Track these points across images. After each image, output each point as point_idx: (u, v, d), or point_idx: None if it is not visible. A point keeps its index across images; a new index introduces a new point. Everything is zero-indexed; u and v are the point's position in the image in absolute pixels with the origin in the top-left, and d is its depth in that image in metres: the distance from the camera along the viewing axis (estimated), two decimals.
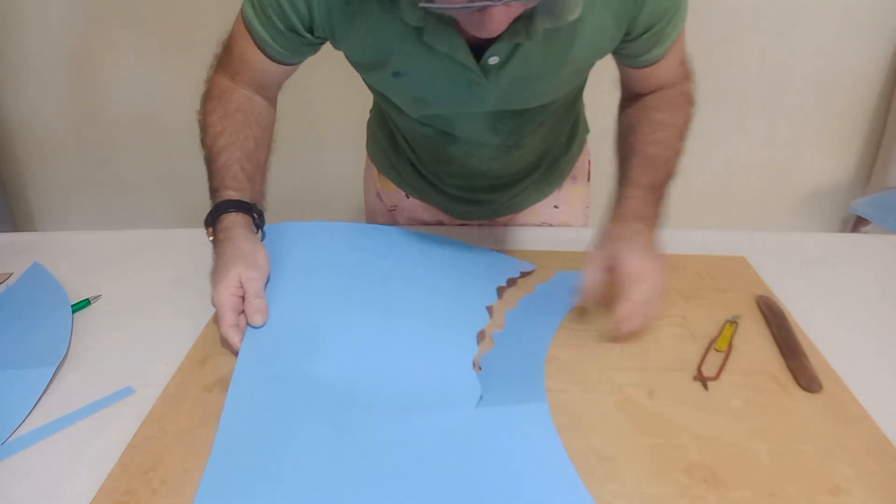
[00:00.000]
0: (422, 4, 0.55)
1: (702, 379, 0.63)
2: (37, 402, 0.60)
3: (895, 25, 1.73)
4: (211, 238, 0.74)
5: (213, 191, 0.77)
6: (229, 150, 0.76)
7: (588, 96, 0.95)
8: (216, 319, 0.67)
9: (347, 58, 0.75)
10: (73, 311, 0.74)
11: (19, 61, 1.86)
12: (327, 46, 0.76)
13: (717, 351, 0.67)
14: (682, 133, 0.80)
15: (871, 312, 0.75)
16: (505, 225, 1.01)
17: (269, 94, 0.83)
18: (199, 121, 0.80)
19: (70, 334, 0.70)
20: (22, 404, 0.60)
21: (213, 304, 0.67)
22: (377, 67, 0.72)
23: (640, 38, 0.72)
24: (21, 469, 0.54)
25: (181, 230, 0.96)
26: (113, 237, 0.94)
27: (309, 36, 0.72)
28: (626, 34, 0.71)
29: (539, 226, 1.02)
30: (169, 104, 1.89)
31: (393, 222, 1.03)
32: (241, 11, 0.75)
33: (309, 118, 1.83)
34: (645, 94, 0.82)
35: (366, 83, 0.83)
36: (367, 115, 1.04)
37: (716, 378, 0.63)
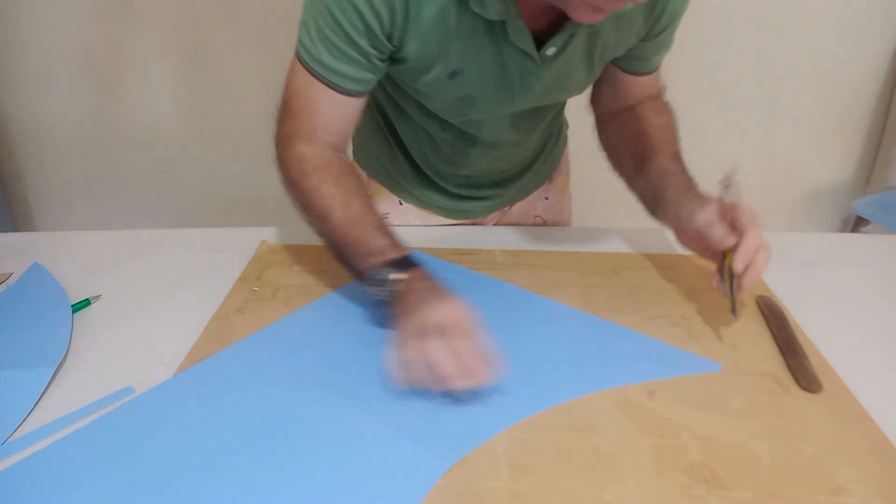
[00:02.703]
0: None
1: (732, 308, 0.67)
2: (37, 402, 0.60)
3: (895, 25, 1.73)
4: (399, 280, 0.64)
5: (381, 250, 0.67)
6: (369, 213, 0.70)
7: None
8: (448, 335, 0.58)
9: (399, 64, 0.71)
10: (73, 311, 0.74)
11: (19, 61, 1.86)
12: None
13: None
14: (679, 136, 0.83)
15: (871, 312, 0.75)
16: (496, 224, 1.03)
17: (347, 143, 0.76)
18: (304, 199, 0.71)
19: (70, 334, 0.70)
20: (22, 404, 0.60)
21: (449, 320, 0.59)
22: (434, 68, 0.70)
23: (656, 38, 0.75)
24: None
25: (181, 230, 0.96)
26: (113, 237, 0.94)
27: (384, 41, 0.67)
28: (648, 31, 0.74)
29: (532, 223, 1.04)
30: (169, 104, 1.89)
31: None
32: (300, 60, 0.69)
33: None
34: (631, 106, 0.84)
35: (404, 90, 0.80)
36: None
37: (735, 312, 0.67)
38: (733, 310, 0.68)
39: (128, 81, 1.87)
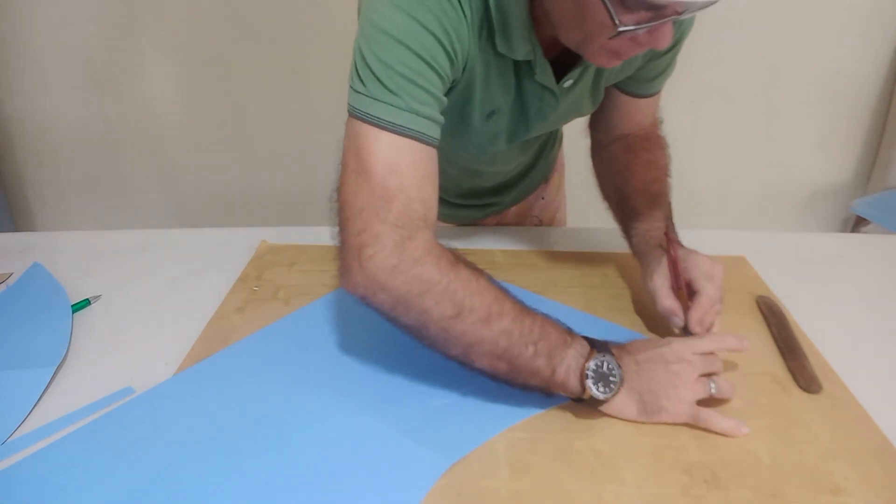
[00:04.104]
0: (621, 29, 0.50)
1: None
2: (37, 402, 0.60)
3: (895, 26, 1.73)
4: (618, 379, 0.56)
5: (563, 342, 0.56)
6: (517, 303, 0.57)
7: None
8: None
9: (447, 102, 0.61)
10: (73, 311, 0.74)
11: (20, 61, 1.86)
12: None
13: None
14: (668, 172, 0.81)
15: (871, 312, 0.75)
16: (496, 224, 1.03)
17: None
18: (460, 301, 0.54)
19: (70, 334, 0.70)
20: (22, 404, 0.60)
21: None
22: (476, 107, 0.66)
23: (660, 60, 0.74)
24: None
25: (181, 230, 0.97)
26: (113, 237, 0.94)
27: (455, 59, 0.58)
28: (654, 52, 0.72)
29: (529, 224, 1.05)
30: (169, 104, 1.89)
31: None
32: (378, 124, 0.55)
33: (309, 119, 1.84)
34: (626, 134, 0.83)
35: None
36: None
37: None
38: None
39: (128, 81, 1.87)
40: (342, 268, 0.57)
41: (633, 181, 0.79)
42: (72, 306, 0.74)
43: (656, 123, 0.85)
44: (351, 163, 0.56)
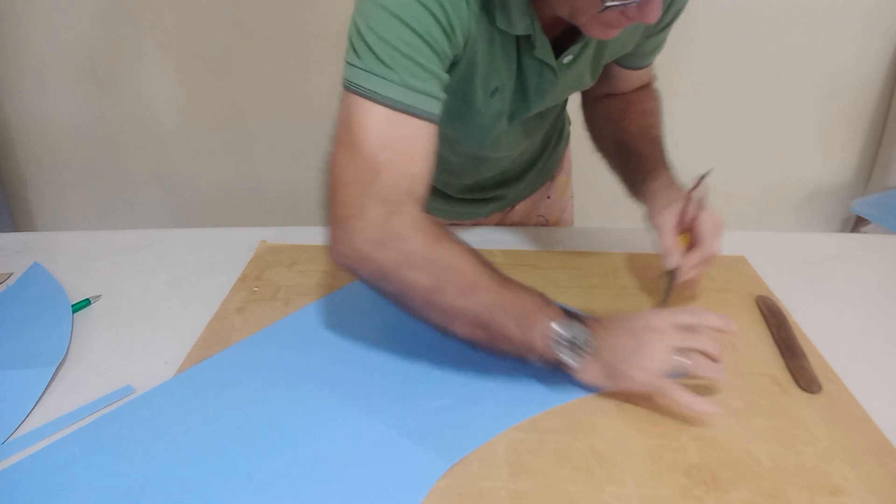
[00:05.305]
0: (608, 4, 0.52)
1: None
2: (37, 402, 0.60)
3: (895, 25, 1.73)
4: (590, 346, 0.57)
5: (537, 309, 0.58)
6: (497, 276, 0.59)
7: None
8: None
9: (449, 80, 0.61)
10: (73, 311, 0.74)
11: (20, 61, 1.86)
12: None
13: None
14: (662, 121, 0.85)
15: (871, 312, 0.75)
16: (499, 224, 1.03)
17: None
18: (439, 274, 0.56)
19: (70, 334, 0.70)
20: (22, 404, 0.60)
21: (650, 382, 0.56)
22: (480, 85, 0.66)
23: (657, 36, 0.76)
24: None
25: (181, 230, 0.97)
26: (112, 237, 0.94)
27: (455, 38, 0.58)
28: (654, 27, 0.74)
29: (535, 223, 1.04)
30: (169, 104, 1.89)
31: None
32: (372, 98, 0.55)
33: (309, 119, 1.84)
34: (624, 94, 0.86)
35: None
36: None
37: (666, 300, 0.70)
38: (665, 302, 0.71)
39: (128, 81, 1.87)
40: (330, 239, 0.58)
41: (632, 127, 0.82)
42: (72, 306, 0.75)
43: (651, 81, 0.87)
44: (342, 135, 0.57)
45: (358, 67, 0.56)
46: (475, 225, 1.00)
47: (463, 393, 0.61)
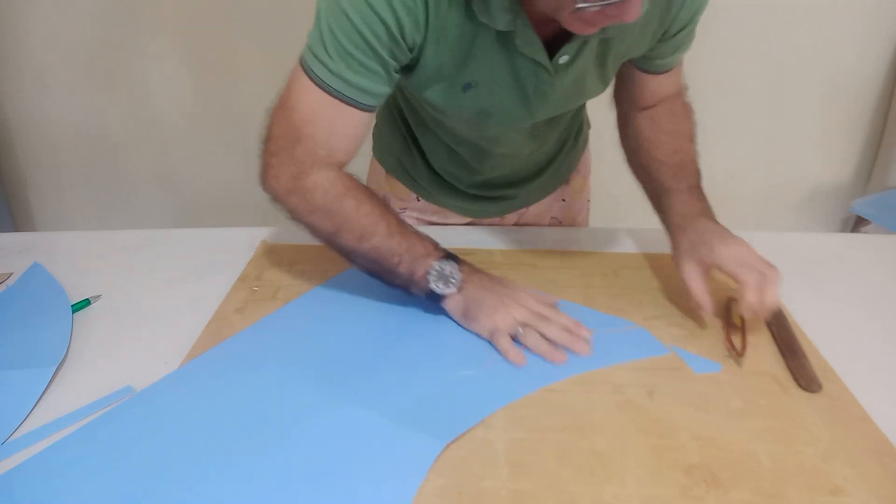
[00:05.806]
0: (579, 5, 0.54)
1: (732, 348, 0.66)
2: (37, 402, 0.60)
3: (895, 25, 1.73)
4: (456, 282, 0.69)
5: (426, 254, 0.69)
6: (404, 223, 0.71)
7: None
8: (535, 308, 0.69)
9: (410, 73, 0.69)
10: (73, 311, 0.74)
11: (20, 61, 1.86)
12: None
13: (736, 325, 0.70)
14: (694, 139, 0.84)
15: (871, 312, 0.75)
16: (514, 224, 1.02)
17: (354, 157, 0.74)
18: (338, 223, 0.69)
19: (70, 334, 0.70)
20: (22, 404, 0.60)
21: (498, 328, 0.67)
22: (446, 80, 0.69)
23: (674, 38, 0.74)
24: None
25: (181, 230, 0.97)
26: (113, 237, 0.94)
27: (406, 51, 0.65)
28: (664, 33, 0.73)
29: (548, 225, 1.03)
30: (169, 104, 1.89)
31: None
32: (313, 78, 0.65)
33: None
34: (650, 107, 0.84)
35: (419, 99, 0.80)
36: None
37: (743, 352, 0.65)
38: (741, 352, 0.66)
39: (128, 82, 1.87)
40: (260, 173, 0.71)
41: (658, 154, 0.82)
42: (72, 306, 0.74)
43: (681, 92, 0.85)
44: (284, 97, 0.68)
45: (309, 48, 0.65)
46: (490, 224, 1.00)
47: (453, 380, 0.62)
